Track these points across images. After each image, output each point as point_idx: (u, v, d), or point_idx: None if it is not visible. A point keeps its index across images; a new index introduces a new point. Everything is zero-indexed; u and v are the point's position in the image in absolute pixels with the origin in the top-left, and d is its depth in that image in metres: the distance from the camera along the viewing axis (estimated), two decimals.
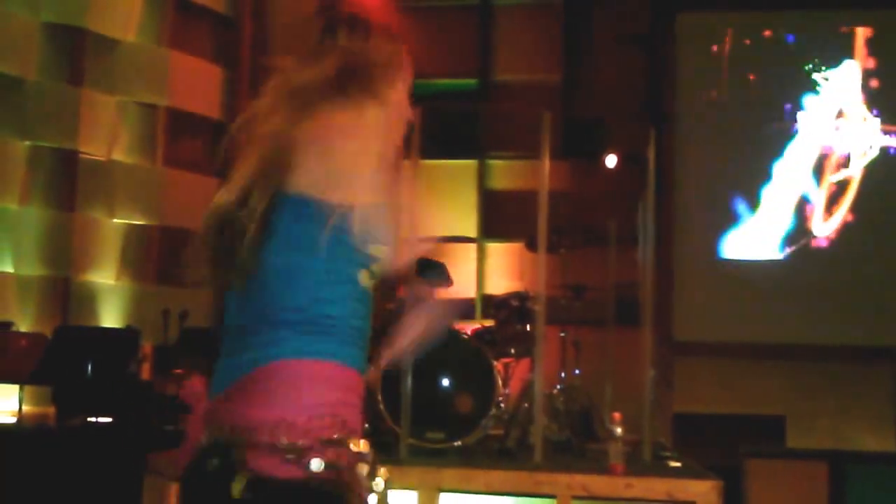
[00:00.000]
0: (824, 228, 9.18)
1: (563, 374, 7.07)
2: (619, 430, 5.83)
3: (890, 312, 8.95)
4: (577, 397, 7.02)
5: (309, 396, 2.46)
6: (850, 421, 8.90)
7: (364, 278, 2.58)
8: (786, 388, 9.02)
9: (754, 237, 9.29)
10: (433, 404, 6.07)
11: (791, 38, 9.47)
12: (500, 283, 9.17)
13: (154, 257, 8.79)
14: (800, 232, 9.27)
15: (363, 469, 2.48)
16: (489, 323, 7.06)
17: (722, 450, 7.77)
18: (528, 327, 6.52)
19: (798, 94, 9.38)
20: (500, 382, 6.29)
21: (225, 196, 2.50)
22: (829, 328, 8.98)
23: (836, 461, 7.85)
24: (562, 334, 7.15)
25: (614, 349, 7.31)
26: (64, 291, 8.38)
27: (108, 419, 7.31)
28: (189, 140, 9.20)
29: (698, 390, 9.14)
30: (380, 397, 6.22)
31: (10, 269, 8.16)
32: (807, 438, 8.76)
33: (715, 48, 9.46)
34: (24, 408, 7.14)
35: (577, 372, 7.23)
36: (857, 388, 8.98)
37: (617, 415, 5.95)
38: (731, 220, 9.29)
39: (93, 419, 7.28)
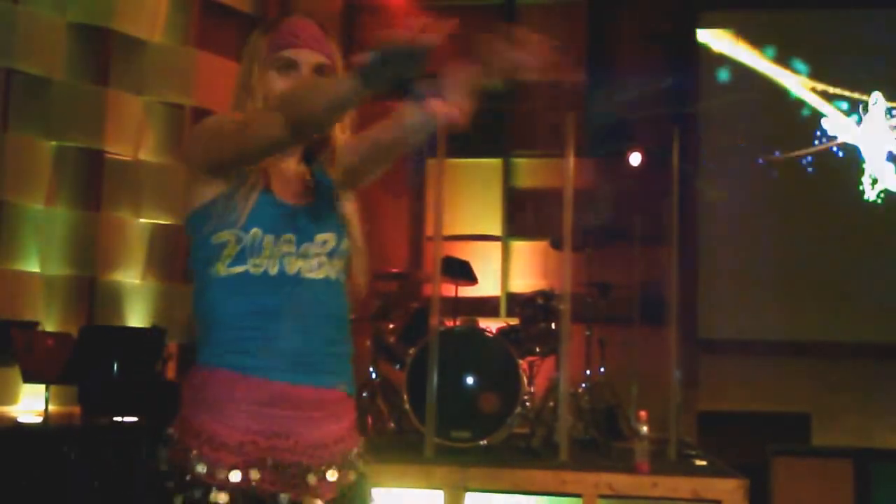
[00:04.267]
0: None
1: (588, 373, 7.08)
2: (644, 429, 5.86)
3: None
4: (603, 395, 7.03)
5: None
6: (875, 418, 8.86)
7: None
8: (811, 386, 8.96)
9: (779, 235, 9.24)
10: (459, 403, 6.09)
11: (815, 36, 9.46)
12: (526, 281, 9.19)
13: (180, 257, 8.73)
14: (828, 227, 9.20)
15: None
16: (514, 321, 7.07)
17: (747, 448, 7.80)
18: (553, 325, 6.53)
19: (823, 91, 9.30)
20: (525, 381, 6.30)
21: None
22: (855, 325, 8.92)
23: (861, 459, 7.82)
24: (587, 332, 7.16)
25: (639, 347, 7.31)
26: (90, 291, 8.37)
27: (134, 419, 7.31)
28: None
29: (723, 388, 9.08)
30: (405, 396, 6.24)
31: (36, 268, 8.17)
32: (832, 436, 8.71)
33: (738, 46, 9.43)
34: (51, 407, 7.15)
35: (602, 370, 7.23)
36: (883, 386, 8.92)
37: (643, 413, 5.99)
38: (756, 217, 9.26)
39: (119, 419, 7.28)
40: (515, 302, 7.41)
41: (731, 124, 9.30)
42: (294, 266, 2.67)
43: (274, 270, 2.65)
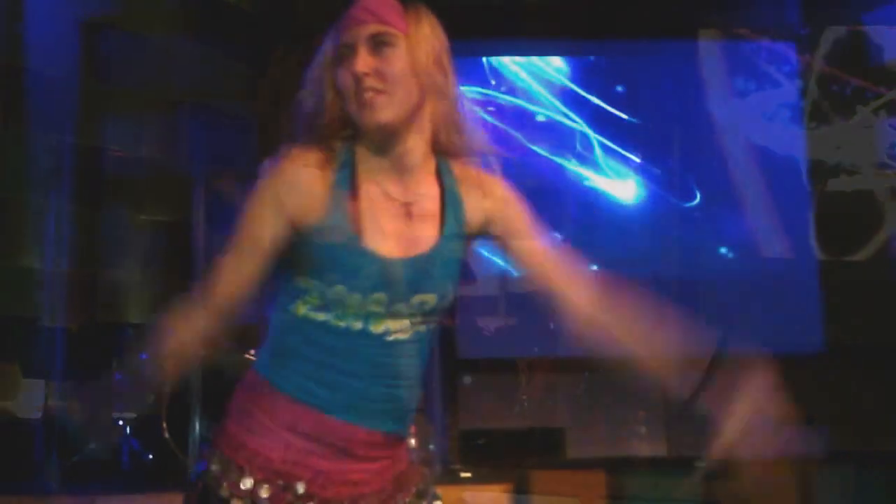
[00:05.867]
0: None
1: None
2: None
3: None
4: None
5: None
6: (624, 429, 9.13)
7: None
8: (563, 401, 9.20)
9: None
10: None
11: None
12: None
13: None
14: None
15: None
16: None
17: (507, 462, 8.04)
18: None
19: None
20: None
21: None
22: None
23: (612, 468, 7.99)
24: None
25: None
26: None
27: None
28: None
29: (482, 407, 9.18)
30: None
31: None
32: (585, 448, 8.95)
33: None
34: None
35: None
36: (630, 398, 9.05)
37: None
38: None
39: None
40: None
41: None
42: (381, 325, 2.56)
43: (357, 327, 2.55)
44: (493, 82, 9.90)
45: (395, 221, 2.57)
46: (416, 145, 2.62)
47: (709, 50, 9.85)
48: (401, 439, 2.70)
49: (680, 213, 9.55)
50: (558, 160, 9.78)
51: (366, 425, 2.56)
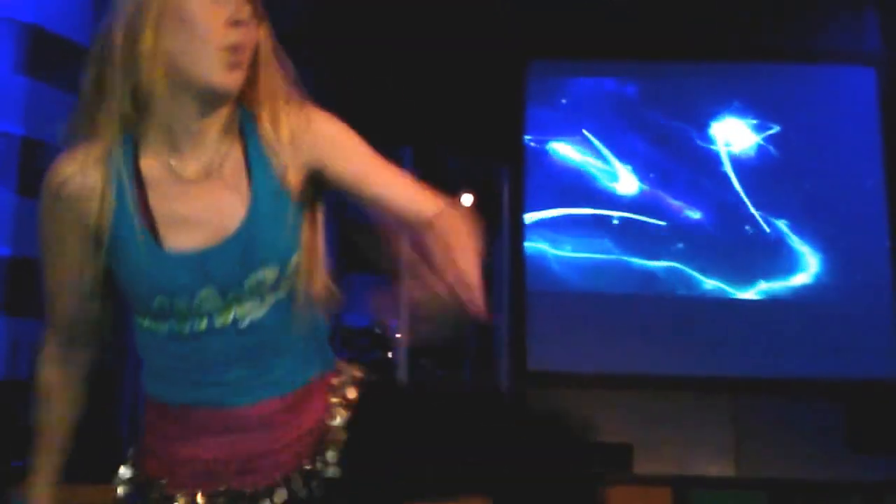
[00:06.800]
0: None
1: None
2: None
3: (725, 344, 9.11)
4: None
5: None
6: (691, 448, 8.99)
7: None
8: (632, 418, 8.93)
9: (603, 272, 9.38)
10: None
11: (633, 88, 9.81)
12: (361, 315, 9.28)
13: None
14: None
15: None
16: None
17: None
18: (389, 355, 6.66)
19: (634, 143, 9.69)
20: None
21: None
22: (673, 359, 9.10)
23: (679, 486, 7.97)
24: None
25: (472, 380, 7.50)
26: None
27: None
28: None
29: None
30: None
31: None
32: (652, 465, 8.76)
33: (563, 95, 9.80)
34: None
35: None
36: (698, 418, 9.04)
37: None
38: (580, 257, 9.40)
39: None
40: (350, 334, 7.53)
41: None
42: (227, 316, 2.28)
43: (202, 326, 2.28)
44: (564, 101, 9.87)
45: (195, 203, 2.22)
46: (228, 113, 2.28)
47: (785, 74, 9.91)
48: (306, 382, 2.40)
49: (755, 239, 9.61)
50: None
51: (253, 400, 2.30)
